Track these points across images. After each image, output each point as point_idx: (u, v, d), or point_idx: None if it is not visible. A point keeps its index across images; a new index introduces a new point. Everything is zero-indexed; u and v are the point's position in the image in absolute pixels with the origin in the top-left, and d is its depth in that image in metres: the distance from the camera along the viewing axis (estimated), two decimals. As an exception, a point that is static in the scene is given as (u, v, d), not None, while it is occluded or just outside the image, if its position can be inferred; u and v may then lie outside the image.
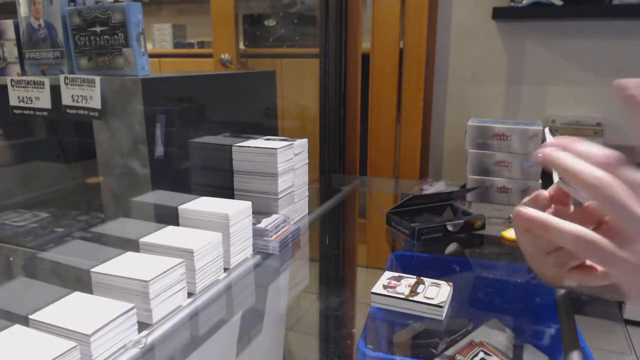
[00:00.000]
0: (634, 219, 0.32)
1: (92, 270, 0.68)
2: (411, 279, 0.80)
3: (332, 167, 1.76)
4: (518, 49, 1.87)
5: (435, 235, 1.04)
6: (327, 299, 0.88)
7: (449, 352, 0.69)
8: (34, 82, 0.98)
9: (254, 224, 0.94)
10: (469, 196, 1.45)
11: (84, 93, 0.92)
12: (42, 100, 0.98)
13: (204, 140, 1.05)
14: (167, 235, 0.80)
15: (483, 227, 1.09)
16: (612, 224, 0.39)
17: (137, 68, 0.95)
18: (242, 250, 0.89)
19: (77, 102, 0.94)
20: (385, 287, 0.78)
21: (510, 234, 1.07)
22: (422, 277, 0.81)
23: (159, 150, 0.94)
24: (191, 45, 2.88)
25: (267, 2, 2.55)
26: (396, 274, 0.82)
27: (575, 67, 1.81)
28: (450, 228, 1.06)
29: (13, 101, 1.01)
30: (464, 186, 1.48)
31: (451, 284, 0.79)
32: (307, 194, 1.16)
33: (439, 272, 0.91)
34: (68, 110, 0.95)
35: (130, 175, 0.94)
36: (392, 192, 1.75)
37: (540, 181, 1.42)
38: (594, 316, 0.80)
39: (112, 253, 0.73)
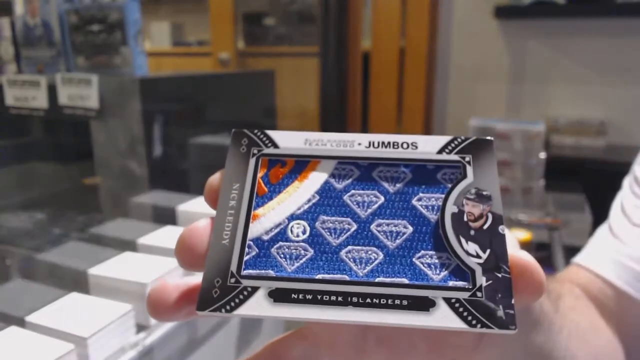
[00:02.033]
0: None
1: (89, 271, 0.67)
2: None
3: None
4: (520, 47, 1.86)
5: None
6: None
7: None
8: (30, 81, 0.97)
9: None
10: (470, 196, 1.44)
11: (81, 92, 0.91)
12: (39, 99, 0.97)
13: (203, 140, 1.04)
14: (165, 235, 0.79)
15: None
16: None
17: (134, 67, 0.94)
18: (242, 251, 0.88)
19: (74, 101, 0.93)
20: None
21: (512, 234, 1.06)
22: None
23: (157, 150, 0.93)
24: (190, 44, 2.87)
25: (266, 0, 2.54)
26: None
27: (578, 66, 1.80)
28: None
29: (9, 100, 1.00)
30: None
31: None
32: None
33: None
34: (65, 110, 0.94)
35: (128, 175, 0.93)
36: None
37: (542, 181, 1.41)
38: None
39: (109, 254, 0.72)
